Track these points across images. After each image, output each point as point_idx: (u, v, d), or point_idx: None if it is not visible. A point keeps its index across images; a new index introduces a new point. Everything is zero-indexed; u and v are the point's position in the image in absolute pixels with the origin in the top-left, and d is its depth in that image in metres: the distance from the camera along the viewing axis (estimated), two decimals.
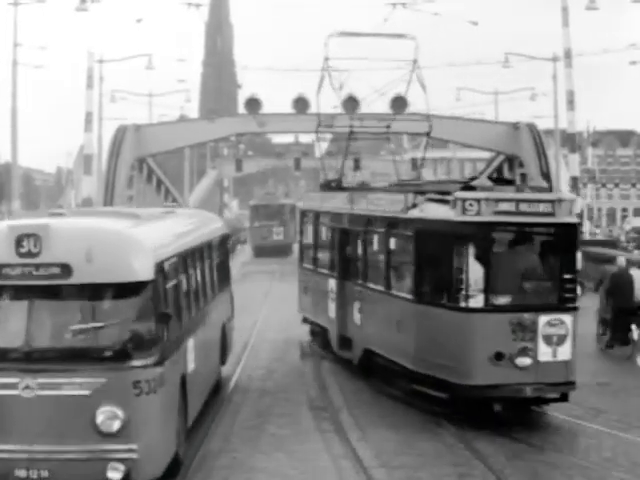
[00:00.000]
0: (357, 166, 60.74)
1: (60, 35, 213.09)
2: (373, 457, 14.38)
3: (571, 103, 47.42)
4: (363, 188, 22.58)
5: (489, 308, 16.03)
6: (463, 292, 16.11)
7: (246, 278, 46.01)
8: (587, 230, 59.34)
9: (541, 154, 49.91)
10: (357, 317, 20.34)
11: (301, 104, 50.15)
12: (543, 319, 16.01)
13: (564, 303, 16.34)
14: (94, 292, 11.82)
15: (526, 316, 15.96)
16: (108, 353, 11.68)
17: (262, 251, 62.32)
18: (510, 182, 18.60)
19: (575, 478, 13.37)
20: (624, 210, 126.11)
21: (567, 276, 16.45)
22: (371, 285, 19.57)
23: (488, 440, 15.19)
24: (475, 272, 16.01)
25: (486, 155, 66.49)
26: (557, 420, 16.61)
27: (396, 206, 18.37)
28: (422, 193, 17.76)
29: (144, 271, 11.93)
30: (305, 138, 71.46)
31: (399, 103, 46.97)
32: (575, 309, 16.51)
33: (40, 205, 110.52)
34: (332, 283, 21.99)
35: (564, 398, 16.69)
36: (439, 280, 16.79)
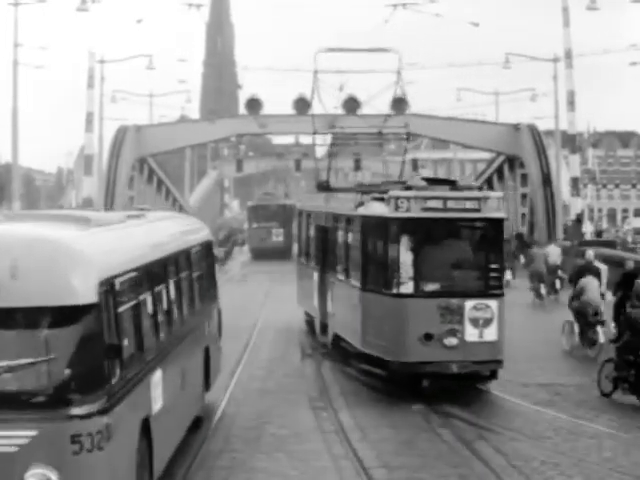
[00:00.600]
0: (358, 167, 60.79)
1: (61, 35, 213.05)
2: (374, 457, 14.38)
3: (571, 104, 47.45)
4: (335, 189, 24.92)
5: (419, 294, 18.19)
6: (396, 280, 18.31)
7: (245, 279, 46.21)
8: (588, 231, 59.30)
9: (541, 155, 49.99)
10: (330, 305, 22.64)
11: (301, 104, 50.21)
12: (469, 304, 17.94)
13: (489, 290, 18.32)
14: (22, 318, 9.29)
15: (453, 301, 17.96)
16: (39, 398, 9.14)
17: (261, 253, 59.42)
18: (450, 182, 20.06)
19: (575, 478, 13.39)
20: (624, 211, 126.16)
21: (493, 265, 18.50)
22: (338, 276, 21.78)
23: (488, 440, 15.21)
24: (406, 262, 18.28)
25: (487, 156, 66.54)
26: (557, 420, 16.62)
27: (350, 204, 20.66)
28: (371, 193, 19.95)
29: (85, 292, 9.40)
30: (306, 139, 71.43)
31: (399, 104, 47.09)
32: (501, 295, 18.38)
33: (41, 205, 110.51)
34: (315, 275, 24.27)
35: (493, 375, 18.58)
36: (378, 269, 19.01)
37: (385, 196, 18.80)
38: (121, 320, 10.32)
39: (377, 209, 19.09)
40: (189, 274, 15.26)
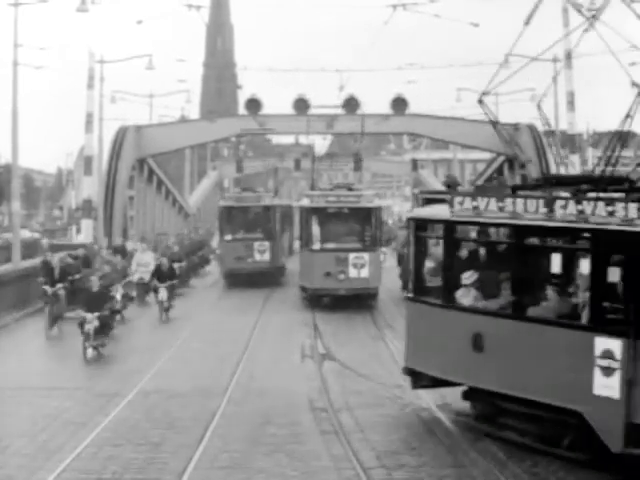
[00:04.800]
0: (357, 167, 60.80)
1: (61, 35, 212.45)
2: (373, 458, 14.41)
3: (571, 104, 47.42)
4: (313, 189, 38.26)
5: (323, 250, 32.20)
6: (310, 242, 32.61)
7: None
8: None
9: (541, 155, 49.95)
10: (302, 269, 34.55)
11: (301, 105, 50.24)
12: (352, 255, 31.77)
13: (364, 247, 32.12)
14: None
15: (342, 254, 31.81)
16: None
17: (237, 278, 40.19)
18: (347, 186, 35.62)
19: (569, 478, 13.43)
20: None
21: (367, 233, 32.38)
22: (301, 246, 35.27)
23: (488, 441, 15.22)
24: (316, 231, 32.40)
25: (487, 156, 66.51)
26: None
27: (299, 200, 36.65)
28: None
29: None
30: (305, 139, 71.26)
31: (399, 103, 47.22)
32: (371, 251, 32.11)
33: (40, 206, 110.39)
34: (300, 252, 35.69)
35: (373, 298, 32.65)
36: (305, 236, 33.63)
37: (307, 194, 35.76)
38: None
39: (305, 202, 34.74)
40: None
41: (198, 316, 31.27)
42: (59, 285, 27.94)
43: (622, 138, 16.17)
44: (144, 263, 34.30)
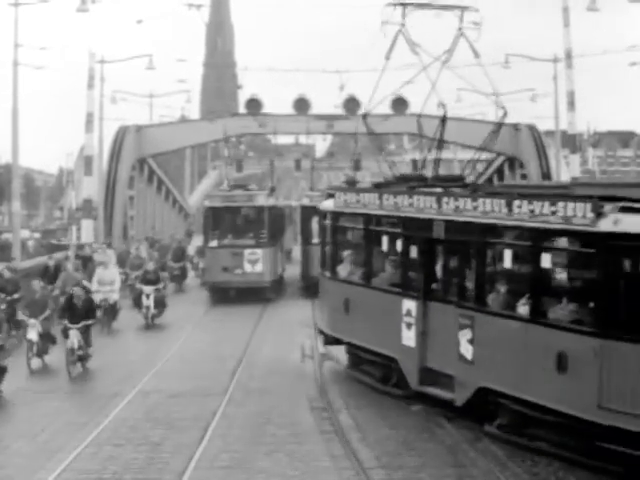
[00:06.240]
0: (357, 167, 60.82)
1: (61, 35, 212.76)
2: (373, 458, 14.43)
3: (571, 104, 47.44)
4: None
5: (316, 245, 32.10)
6: (310, 236, 35.26)
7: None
8: None
9: (541, 155, 50.00)
10: (303, 261, 37.31)
11: (302, 104, 50.30)
12: None
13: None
14: None
15: None
16: None
17: (224, 294, 33.87)
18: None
19: (570, 477, 13.45)
20: None
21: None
22: (302, 240, 38.41)
23: (488, 441, 15.24)
24: (315, 227, 33.36)
25: (487, 156, 66.47)
26: None
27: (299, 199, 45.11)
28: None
29: None
30: (305, 139, 71.19)
31: (399, 104, 47.34)
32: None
33: (41, 206, 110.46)
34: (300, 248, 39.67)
35: None
36: (304, 233, 37.02)
37: (307, 194, 40.43)
38: None
39: (304, 201, 38.84)
40: None
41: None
42: None
43: (440, 145, 22.65)
44: (108, 281, 26.50)
